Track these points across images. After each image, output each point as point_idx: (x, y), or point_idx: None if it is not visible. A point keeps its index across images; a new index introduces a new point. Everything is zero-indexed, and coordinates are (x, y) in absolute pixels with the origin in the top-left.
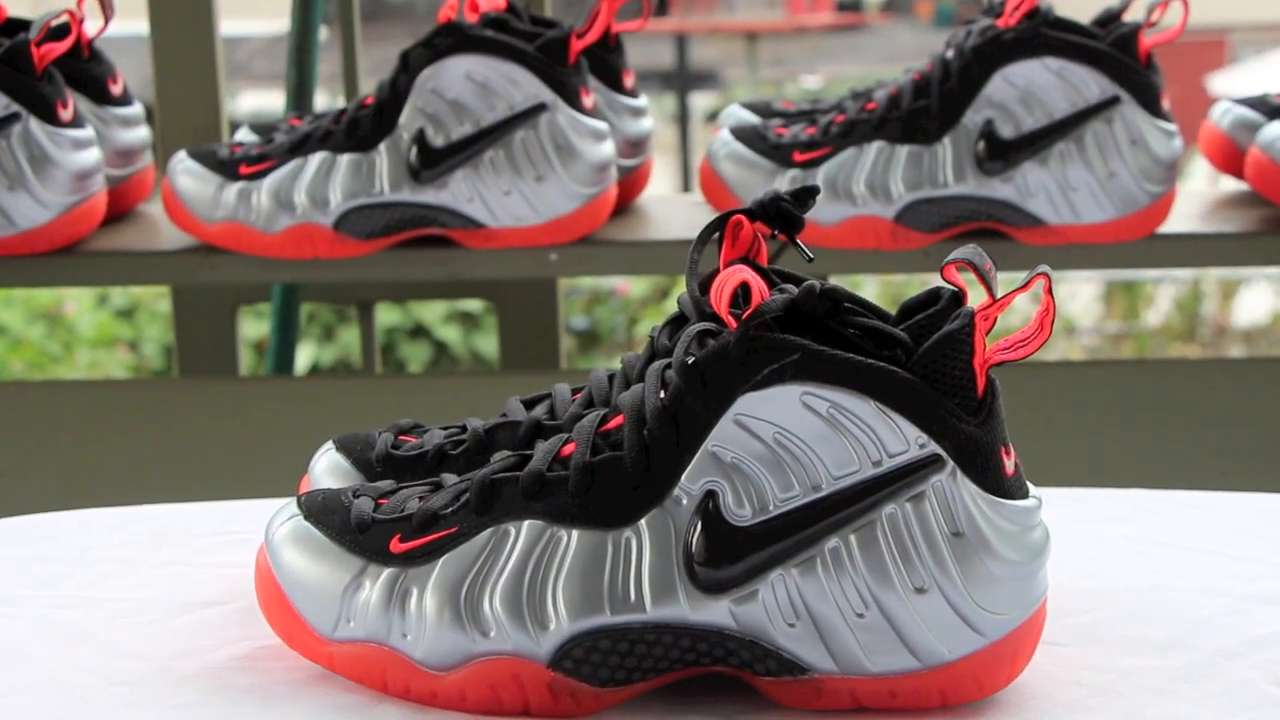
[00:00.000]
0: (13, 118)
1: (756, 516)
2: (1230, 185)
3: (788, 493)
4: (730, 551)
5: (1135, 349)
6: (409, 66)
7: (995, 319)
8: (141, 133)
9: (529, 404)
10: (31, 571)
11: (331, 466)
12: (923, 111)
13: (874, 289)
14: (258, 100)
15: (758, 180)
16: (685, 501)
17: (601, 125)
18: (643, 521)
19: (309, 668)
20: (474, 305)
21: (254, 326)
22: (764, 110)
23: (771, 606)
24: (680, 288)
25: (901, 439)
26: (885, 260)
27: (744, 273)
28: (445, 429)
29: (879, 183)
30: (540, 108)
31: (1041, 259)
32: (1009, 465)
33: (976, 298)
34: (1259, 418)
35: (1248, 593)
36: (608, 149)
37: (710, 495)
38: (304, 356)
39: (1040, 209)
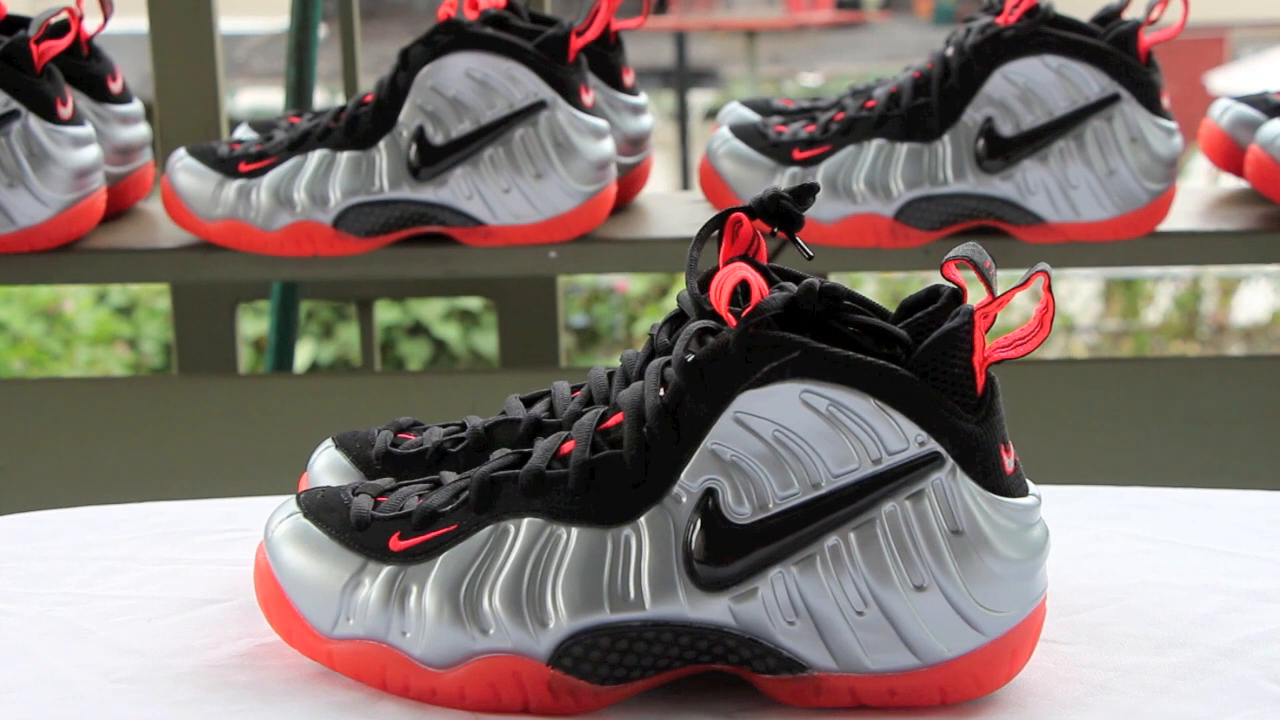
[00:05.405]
0: (12, 115)
1: (756, 514)
2: (1230, 183)
3: (787, 490)
4: (730, 549)
5: (1135, 347)
6: (408, 64)
7: (995, 317)
8: (141, 130)
9: (528, 402)
10: (31, 569)
11: (331, 464)
12: (923, 109)
13: (874, 287)
14: (257, 98)
15: (757, 178)
16: (685, 499)
17: (601, 123)
18: (642, 519)
19: (308, 665)
20: (473, 303)
21: (253, 324)
22: (763, 108)
23: (771, 604)
24: (680, 285)
25: (901, 437)
26: (885, 258)
27: (743, 270)
28: (444, 427)
29: (879, 180)
30: (540, 105)
31: (1041, 257)
32: (1008, 463)
33: (976, 295)
34: (1258, 415)
35: (1247, 590)
36: (607, 147)
37: (710, 493)
38: (303, 354)
39: (1040, 207)
